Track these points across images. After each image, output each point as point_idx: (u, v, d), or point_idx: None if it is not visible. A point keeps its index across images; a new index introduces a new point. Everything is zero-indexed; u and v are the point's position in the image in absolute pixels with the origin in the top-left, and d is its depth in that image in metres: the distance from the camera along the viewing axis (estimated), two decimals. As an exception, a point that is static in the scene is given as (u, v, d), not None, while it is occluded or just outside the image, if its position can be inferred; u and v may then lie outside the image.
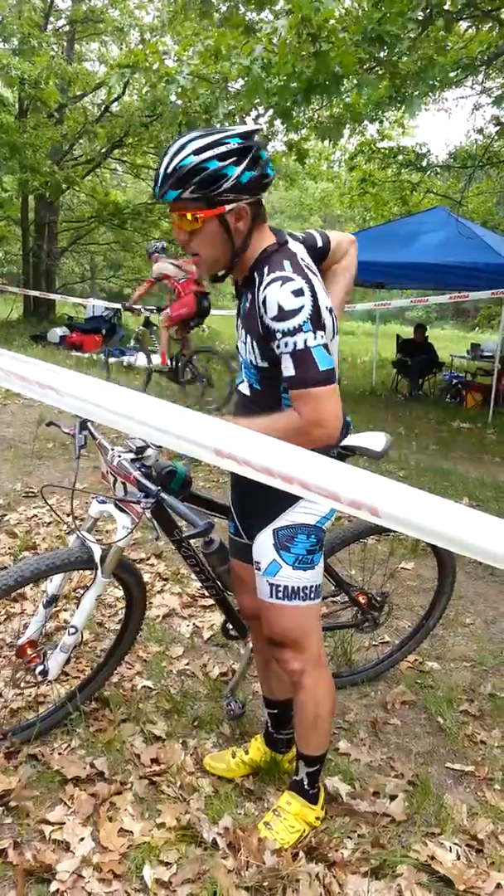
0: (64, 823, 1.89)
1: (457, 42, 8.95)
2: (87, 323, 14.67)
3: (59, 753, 2.15)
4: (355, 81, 6.62)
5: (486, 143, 11.06)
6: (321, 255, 1.79)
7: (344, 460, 1.63)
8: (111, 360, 9.99)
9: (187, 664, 2.72)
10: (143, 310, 8.34)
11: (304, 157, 7.62)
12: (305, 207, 30.37)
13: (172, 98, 6.91)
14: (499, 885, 1.76)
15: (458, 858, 1.85)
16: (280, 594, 1.74)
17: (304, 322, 1.48)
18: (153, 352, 9.67)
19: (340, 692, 2.54)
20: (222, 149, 1.49)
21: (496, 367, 8.93)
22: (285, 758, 2.14)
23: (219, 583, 2.14)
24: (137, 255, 20.67)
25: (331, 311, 1.62)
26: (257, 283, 1.57)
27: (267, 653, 2.00)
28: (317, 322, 1.50)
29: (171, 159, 1.50)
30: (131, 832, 1.87)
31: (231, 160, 1.50)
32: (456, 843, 1.89)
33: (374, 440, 2.09)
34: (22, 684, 2.21)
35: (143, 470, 1.90)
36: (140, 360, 11.88)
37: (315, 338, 1.49)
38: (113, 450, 1.95)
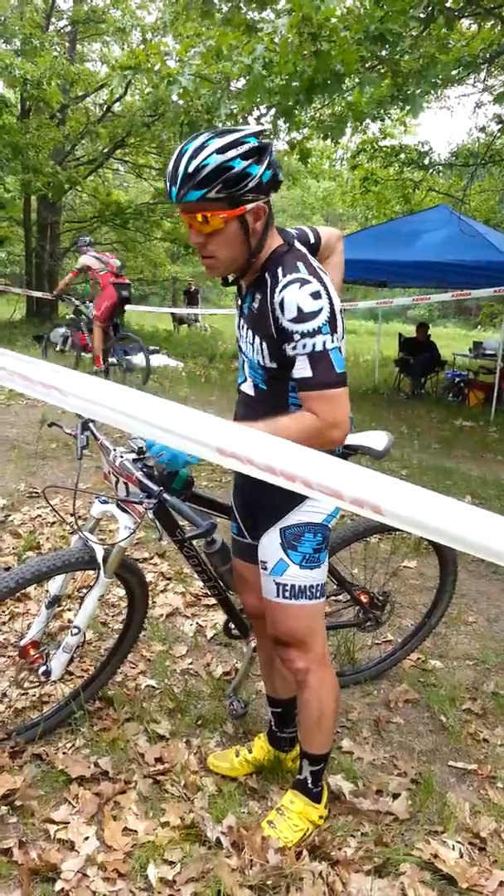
0: (68, 823, 1.89)
1: (459, 40, 8.94)
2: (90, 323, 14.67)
3: (64, 753, 2.16)
4: (357, 80, 6.62)
5: (488, 141, 11.04)
6: (313, 250, 1.80)
7: (346, 459, 1.63)
8: (113, 359, 10.04)
9: (191, 663, 2.73)
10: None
11: (306, 156, 7.61)
12: (307, 206, 30.36)
13: (174, 98, 6.90)
14: (501, 883, 1.76)
15: (461, 857, 1.85)
16: (287, 593, 1.74)
17: (323, 324, 1.49)
18: (155, 351, 9.70)
19: (343, 691, 2.54)
20: (244, 148, 1.48)
21: (498, 365, 8.91)
22: (289, 756, 2.15)
23: (221, 582, 2.15)
24: (140, 254, 20.70)
25: (341, 311, 1.62)
26: (270, 284, 1.57)
27: (271, 651, 2.00)
28: (333, 324, 1.51)
29: (191, 159, 1.46)
30: (135, 831, 1.88)
31: (253, 159, 1.49)
32: (459, 842, 1.90)
33: (377, 439, 2.09)
34: (25, 684, 2.21)
35: (145, 470, 1.91)
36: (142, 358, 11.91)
37: (332, 340, 1.50)
38: (115, 450, 1.96)
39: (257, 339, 1.64)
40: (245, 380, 1.78)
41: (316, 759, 1.90)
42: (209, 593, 2.21)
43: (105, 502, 2.06)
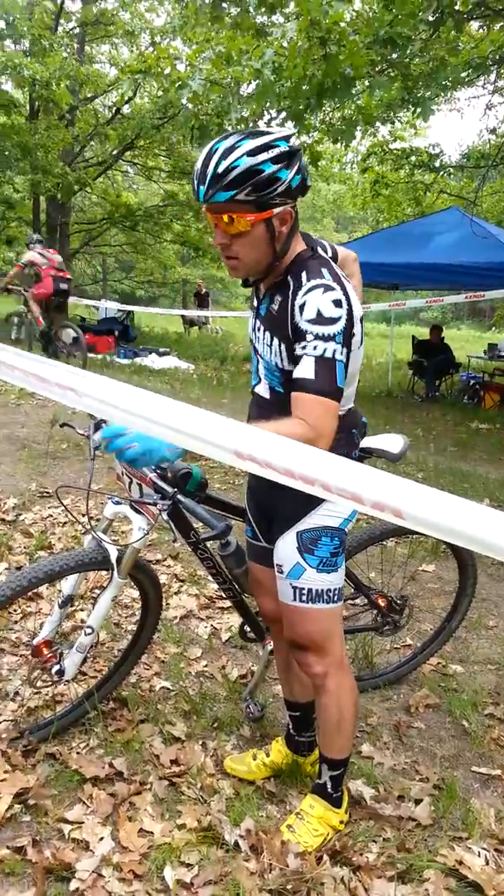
0: (83, 823, 1.87)
1: (468, 42, 8.91)
2: (99, 324, 14.74)
3: (78, 753, 2.13)
4: (367, 83, 6.61)
5: (499, 143, 10.99)
6: None
7: (361, 462, 1.60)
8: (124, 361, 10.09)
9: (206, 666, 2.70)
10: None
11: (317, 160, 7.61)
12: (318, 210, 30.42)
13: (184, 102, 6.91)
14: (528, 891, 1.72)
15: (487, 863, 1.81)
16: (304, 597, 1.71)
17: (338, 333, 1.47)
18: (166, 353, 9.65)
19: (362, 695, 2.50)
20: (275, 152, 1.46)
21: (513, 367, 8.86)
22: (307, 760, 2.12)
23: (236, 585, 2.12)
24: (150, 256, 20.74)
25: (361, 319, 1.60)
26: (293, 287, 1.55)
27: (288, 655, 1.97)
28: (347, 338, 1.49)
29: (221, 159, 1.44)
30: (151, 833, 1.85)
31: (283, 163, 1.48)
32: (484, 848, 1.86)
33: (392, 442, 2.07)
34: (38, 683, 2.19)
35: (158, 472, 1.89)
36: (153, 360, 11.94)
37: (342, 353, 1.48)
38: None
39: (275, 341, 1.62)
40: (259, 381, 1.76)
41: (335, 763, 1.87)
42: (224, 596, 2.18)
43: (118, 503, 2.04)
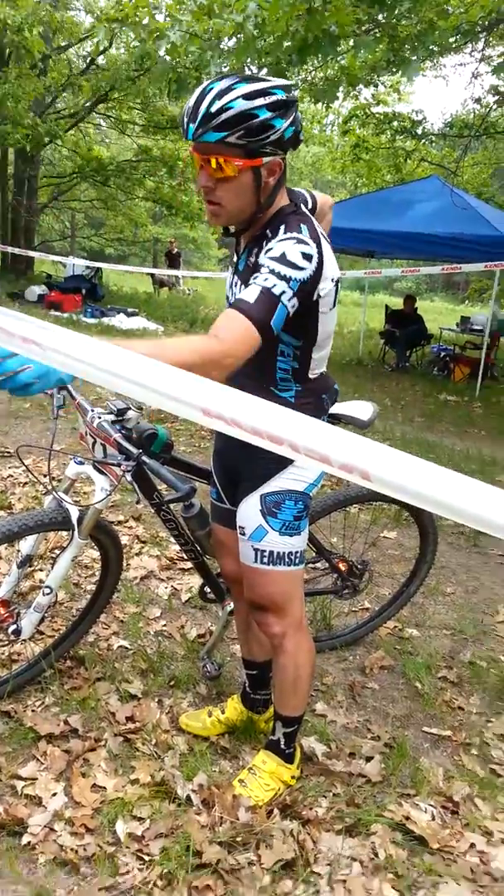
0: (36, 779, 1.87)
1: (457, 6, 8.75)
2: (66, 282, 14.39)
3: (33, 710, 2.13)
4: (352, 43, 6.46)
5: (483, 113, 10.89)
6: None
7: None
8: (91, 320, 9.86)
9: (164, 625, 2.70)
10: None
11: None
12: (296, 171, 29.94)
13: (162, 54, 6.69)
14: (472, 845, 1.78)
15: (433, 819, 1.86)
16: (265, 559, 1.71)
17: (295, 282, 1.41)
18: (134, 314, 9.48)
19: (319, 655, 2.54)
20: (271, 98, 1.41)
21: (486, 340, 8.91)
22: (262, 718, 2.14)
23: (198, 546, 2.12)
24: (121, 213, 20.25)
25: (337, 282, 1.57)
26: (269, 237, 1.51)
27: (248, 615, 1.98)
28: (301, 292, 1.43)
29: (216, 99, 1.39)
30: (104, 788, 1.87)
31: (279, 112, 1.42)
32: (431, 805, 1.91)
33: (361, 409, 2.07)
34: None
35: (123, 432, 1.86)
36: (120, 319, 11.76)
37: (289, 300, 1.41)
38: (93, 411, 1.90)
39: None
40: None
41: (290, 720, 1.90)
42: (185, 557, 2.17)
43: (81, 463, 2.01)
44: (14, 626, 2.04)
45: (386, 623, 2.77)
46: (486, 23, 8.42)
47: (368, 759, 2.07)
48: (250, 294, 1.38)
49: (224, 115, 1.39)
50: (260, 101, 1.40)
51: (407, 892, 1.65)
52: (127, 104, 16.80)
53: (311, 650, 1.87)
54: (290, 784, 1.91)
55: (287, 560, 1.72)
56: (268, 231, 1.55)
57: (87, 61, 16.42)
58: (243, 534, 1.75)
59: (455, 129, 12.59)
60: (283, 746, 1.91)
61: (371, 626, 2.73)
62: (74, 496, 3.45)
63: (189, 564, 2.69)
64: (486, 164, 15.19)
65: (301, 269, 1.42)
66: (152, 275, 18.78)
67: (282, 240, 1.46)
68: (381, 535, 3.71)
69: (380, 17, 6.64)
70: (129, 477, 1.86)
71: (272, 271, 1.41)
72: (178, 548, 2.44)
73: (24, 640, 2.11)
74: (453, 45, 9.16)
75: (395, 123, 11.98)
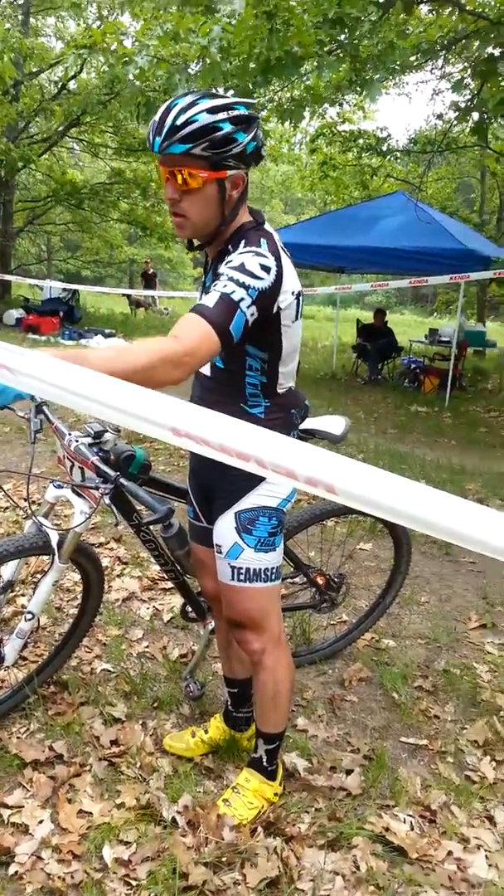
0: (22, 807, 1.88)
1: (417, 26, 8.97)
2: (43, 305, 14.43)
3: (18, 737, 2.14)
4: (315, 64, 6.60)
5: (445, 129, 11.14)
6: None
7: (303, 443, 1.64)
8: (69, 342, 9.87)
9: (147, 647, 2.73)
10: None
11: (264, 139, 7.57)
12: (266, 191, 30.24)
13: (130, 78, 6.78)
14: (449, 853, 1.82)
15: (412, 829, 1.90)
16: (241, 576, 1.75)
17: (253, 290, 1.46)
18: (112, 335, 9.48)
19: (299, 670, 2.57)
20: (234, 113, 1.48)
21: (453, 352, 9.07)
22: (244, 736, 2.17)
23: (178, 566, 2.14)
24: (96, 235, 20.35)
25: (298, 295, 1.62)
26: (231, 251, 1.57)
27: (228, 633, 2.01)
28: (260, 301, 1.48)
29: (180, 113, 1.46)
30: (91, 813, 1.88)
31: (241, 126, 1.50)
32: (409, 815, 1.95)
33: (334, 424, 2.10)
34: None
35: (101, 455, 1.89)
36: (98, 341, 11.79)
37: (248, 307, 1.45)
38: (70, 434, 1.93)
39: None
40: None
41: (271, 737, 1.93)
42: (166, 577, 2.20)
43: (60, 487, 2.03)
44: (-4, 654, 2.05)
45: (363, 635, 2.82)
46: (445, 42, 8.66)
47: (349, 772, 2.11)
48: (209, 299, 1.43)
49: (189, 128, 1.46)
50: (223, 115, 1.47)
51: (389, 902, 1.68)
52: (99, 128, 16.94)
53: (290, 665, 1.90)
54: (274, 801, 1.94)
55: (263, 576, 1.76)
56: (229, 246, 1.60)
57: (59, 86, 16.52)
58: (220, 552, 1.78)
59: (419, 145, 12.88)
60: (265, 764, 1.94)
61: (349, 639, 2.78)
62: (55, 520, 3.46)
63: (170, 584, 2.72)
64: (449, 179, 15.52)
65: (260, 278, 1.48)
66: (128, 295, 18.82)
67: (242, 252, 1.52)
68: (357, 548, 3.77)
69: (341, 37, 6.80)
70: (107, 500, 1.88)
71: (230, 279, 1.46)
72: (158, 568, 2.47)
73: (7, 667, 2.12)
74: (414, 64, 9.38)
75: (361, 141, 12.22)
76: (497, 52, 6.25)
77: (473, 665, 2.76)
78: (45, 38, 17.96)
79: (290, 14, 6.00)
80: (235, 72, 6.57)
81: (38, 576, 2.61)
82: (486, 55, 6.43)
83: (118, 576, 3.30)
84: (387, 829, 1.88)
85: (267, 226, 1.65)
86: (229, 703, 2.16)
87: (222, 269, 1.50)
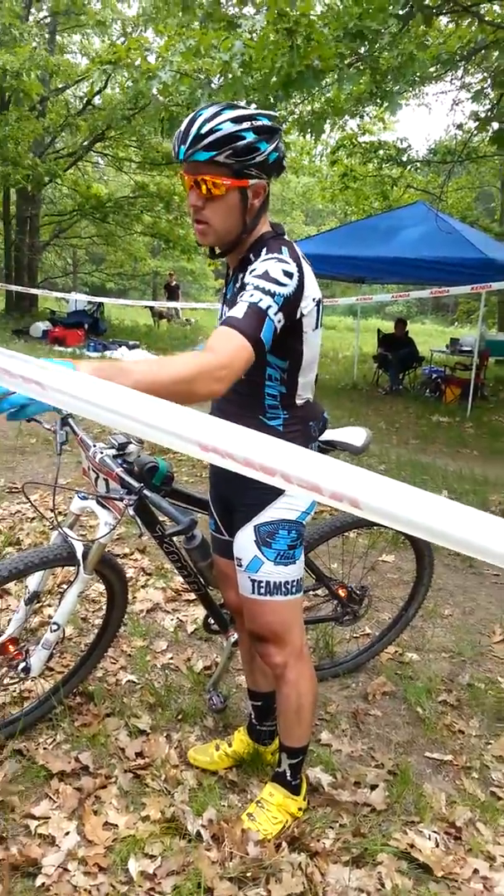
0: (49, 818, 1.90)
1: (436, 37, 8.99)
2: (69, 317, 14.62)
3: (44, 748, 2.16)
4: (336, 76, 6.65)
5: (465, 139, 11.12)
6: None
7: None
8: (94, 354, 9.98)
9: (171, 658, 2.74)
10: None
11: (285, 151, 7.62)
12: (287, 202, 30.37)
13: (154, 93, 6.88)
14: (475, 871, 1.80)
15: (437, 846, 1.89)
16: (262, 590, 1.75)
17: (279, 296, 1.49)
18: (136, 346, 9.56)
19: (322, 684, 2.57)
20: (257, 123, 1.53)
21: (475, 361, 9.02)
22: (268, 749, 2.17)
23: (200, 578, 2.15)
24: (120, 248, 20.60)
25: (319, 302, 1.64)
26: (252, 260, 1.60)
27: (251, 646, 2.02)
28: (286, 308, 1.51)
29: (206, 122, 1.50)
30: (116, 825, 1.89)
31: (264, 136, 1.54)
32: (434, 831, 1.94)
33: (355, 435, 2.10)
34: (5, 681, 2.21)
35: (125, 466, 1.91)
36: (122, 353, 11.90)
37: (276, 315, 1.48)
38: (95, 446, 1.95)
39: None
40: None
41: (294, 752, 1.93)
42: (189, 589, 2.22)
43: (85, 498, 2.05)
44: (23, 664, 2.07)
45: (387, 648, 2.80)
46: (465, 52, 8.66)
47: (373, 787, 2.10)
48: (239, 311, 1.46)
49: (213, 136, 1.50)
50: (246, 125, 1.51)
51: (415, 919, 1.67)
52: (123, 142, 17.21)
53: (313, 679, 1.90)
54: (298, 816, 1.93)
55: (284, 590, 1.76)
56: (251, 255, 1.64)
57: (84, 102, 16.82)
58: (240, 565, 1.79)
59: (439, 155, 12.85)
60: (289, 778, 1.94)
61: (372, 652, 2.76)
62: (80, 531, 3.49)
63: (194, 595, 2.74)
64: (469, 189, 15.48)
65: (284, 285, 1.50)
66: (151, 307, 19.00)
67: (264, 260, 1.55)
68: (379, 560, 3.75)
69: (362, 50, 6.85)
70: (131, 511, 1.90)
71: (257, 287, 1.49)
72: (182, 579, 2.49)
73: (33, 678, 2.14)
74: (434, 75, 9.40)
75: (382, 152, 12.24)
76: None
77: (498, 679, 2.74)
78: (71, 55, 18.32)
79: (311, 28, 6.05)
80: (256, 85, 6.64)
81: (65, 586, 2.64)
82: (505, 65, 6.42)
83: (142, 586, 3.32)
84: (412, 846, 1.86)
85: (286, 236, 1.68)
86: (253, 716, 2.16)
87: (247, 278, 1.53)
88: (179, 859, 1.79)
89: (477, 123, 7.86)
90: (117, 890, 1.70)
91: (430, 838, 1.90)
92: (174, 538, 2.05)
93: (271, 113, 1.58)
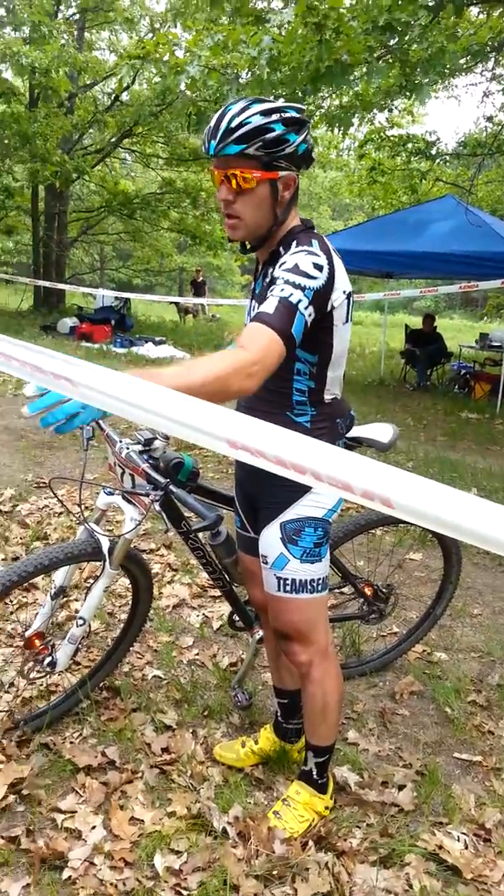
0: (76, 812, 1.91)
1: (467, 28, 8.85)
2: (96, 313, 14.72)
3: (71, 742, 2.18)
4: (364, 70, 6.58)
5: (495, 131, 10.95)
6: None
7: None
8: (121, 350, 10.01)
9: (197, 654, 2.74)
10: None
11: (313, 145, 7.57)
12: (314, 197, 30.23)
13: (182, 88, 6.88)
14: (506, 875, 1.77)
15: (466, 848, 1.86)
16: (288, 587, 1.74)
17: (308, 290, 1.48)
18: (162, 342, 9.59)
19: (349, 682, 2.55)
20: (286, 115, 1.53)
21: (505, 356, 8.88)
22: (294, 747, 2.16)
23: (225, 574, 2.15)
24: (146, 244, 20.69)
25: (349, 295, 1.63)
26: (282, 254, 1.59)
27: (277, 643, 2.01)
28: (316, 301, 1.50)
29: (235, 116, 1.51)
30: (142, 821, 1.90)
31: (293, 128, 1.54)
32: (464, 833, 1.91)
33: (382, 431, 2.08)
34: (32, 675, 2.23)
35: (151, 462, 1.91)
36: (148, 349, 11.95)
37: (307, 308, 1.48)
38: (121, 441, 1.96)
39: None
40: None
41: (321, 750, 1.91)
42: (214, 585, 2.21)
43: (111, 493, 2.06)
44: (49, 659, 2.09)
45: (414, 647, 2.77)
46: (496, 43, 8.51)
47: (401, 787, 2.08)
48: (269, 306, 1.46)
49: (243, 129, 1.50)
50: (275, 117, 1.52)
51: (443, 923, 1.65)
52: (150, 138, 17.26)
53: (339, 677, 1.89)
54: (324, 815, 1.92)
55: (310, 587, 1.75)
56: (280, 248, 1.63)
57: (112, 98, 16.89)
58: (265, 562, 1.78)
59: (468, 147, 12.66)
60: (315, 777, 1.93)
61: (400, 651, 2.74)
62: (107, 526, 3.51)
63: (219, 592, 2.74)
64: (500, 182, 15.21)
65: (314, 278, 1.50)
66: (177, 303, 19.06)
67: (294, 253, 1.55)
68: (406, 557, 3.72)
69: (391, 43, 6.76)
70: (157, 506, 1.91)
71: (287, 282, 1.48)
72: (207, 576, 2.49)
73: (60, 672, 2.16)
74: (464, 66, 9.26)
75: (410, 145, 12.09)
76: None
77: (529, 680, 2.69)
78: (99, 51, 18.41)
79: (340, 22, 5.99)
80: (285, 80, 6.60)
81: (90, 581, 2.66)
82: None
83: (168, 582, 3.32)
84: (440, 847, 1.84)
85: (316, 230, 1.67)
86: (279, 713, 2.15)
87: (277, 272, 1.52)
88: (205, 856, 1.79)
89: (508, 115, 7.73)
90: (143, 885, 1.71)
91: (458, 840, 1.88)
92: (199, 534, 2.05)
93: (299, 106, 1.57)
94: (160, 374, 1.29)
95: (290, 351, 1.46)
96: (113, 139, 16.87)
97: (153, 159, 18.63)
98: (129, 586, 2.31)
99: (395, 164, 13.23)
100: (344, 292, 1.60)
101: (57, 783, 2.02)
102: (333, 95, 8.45)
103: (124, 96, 16.22)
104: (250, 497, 1.90)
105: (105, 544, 2.01)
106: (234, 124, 1.50)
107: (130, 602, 2.34)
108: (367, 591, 2.47)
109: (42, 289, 16.62)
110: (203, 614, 3.06)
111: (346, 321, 1.65)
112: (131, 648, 2.47)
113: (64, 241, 17.76)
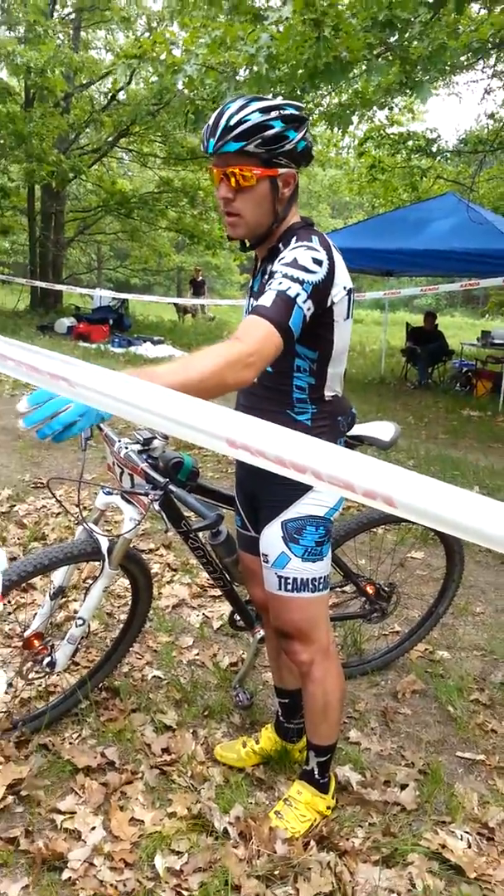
0: (75, 812, 1.90)
1: (468, 25, 8.82)
2: (94, 313, 14.70)
3: (70, 743, 2.16)
4: (364, 67, 6.56)
5: (497, 128, 10.93)
6: None
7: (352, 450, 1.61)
8: (119, 350, 9.99)
9: (197, 654, 2.73)
10: None
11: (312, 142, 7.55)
12: (314, 195, 30.23)
13: (179, 87, 6.87)
14: (510, 874, 1.76)
15: (469, 847, 1.85)
16: (289, 586, 1.73)
17: (307, 283, 1.47)
18: (160, 342, 9.59)
19: (350, 682, 2.54)
20: (285, 112, 1.53)
21: (506, 354, 8.86)
22: (296, 747, 2.15)
23: (226, 574, 2.14)
24: (144, 244, 20.66)
25: (350, 291, 1.62)
26: (282, 250, 1.58)
27: (278, 642, 1.99)
28: (315, 295, 1.49)
29: (234, 114, 1.50)
30: (142, 821, 1.88)
31: (292, 125, 1.54)
32: (467, 832, 1.90)
33: (383, 430, 2.07)
34: (31, 675, 2.22)
35: (150, 461, 1.90)
36: (147, 348, 11.94)
37: (305, 302, 1.46)
38: (120, 441, 1.94)
39: None
40: None
41: (322, 750, 1.90)
42: (215, 585, 2.20)
43: (110, 493, 2.05)
44: (48, 659, 2.08)
45: (416, 646, 2.76)
46: (497, 39, 8.49)
47: (403, 786, 2.06)
48: (267, 299, 1.45)
49: (242, 127, 1.50)
50: (274, 115, 1.51)
51: (447, 923, 1.63)
52: (148, 137, 17.24)
53: (340, 676, 1.87)
54: (326, 814, 1.91)
55: (311, 586, 1.74)
56: (280, 245, 1.62)
57: (108, 97, 16.87)
58: (266, 561, 1.77)
59: (469, 145, 12.64)
60: (317, 776, 1.91)
61: (402, 650, 2.72)
62: (105, 526, 3.50)
63: (219, 591, 2.73)
64: (501, 179, 15.19)
65: (313, 272, 1.49)
66: (175, 303, 19.05)
67: (294, 247, 1.54)
68: (408, 556, 3.70)
69: (391, 40, 6.74)
70: (156, 506, 1.89)
71: (285, 275, 1.47)
72: (207, 575, 2.48)
73: (59, 673, 2.14)
74: (465, 63, 9.24)
75: (410, 143, 12.08)
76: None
77: (532, 679, 2.68)
78: (95, 51, 18.38)
79: (339, 19, 5.97)
80: (283, 78, 6.59)
81: (90, 581, 2.65)
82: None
83: (168, 582, 3.31)
84: (443, 847, 1.83)
85: (315, 227, 1.66)
86: (280, 713, 2.14)
87: (276, 266, 1.51)
88: (206, 856, 1.77)
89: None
90: (144, 886, 1.69)
91: (462, 839, 1.86)
92: (199, 534, 2.04)
93: (298, 103, 1.57)
94: (157, 372, 1.27)
95: (289, 344, 1.44)
96: (110, 139, 16.83)
97: (150, 158, 18.61)
98: (129, 586, 2.30)
99: (396, 161, 13.21)
100: (344, 288, 1.58)
101: (56, 784, 2.01)
102: (333, 93, 8.43)
103: (121, 96, 16.20)
104: (251, 496, 1.88)
105: (104, 544, 2.00)
106: (233, 122, 1.49)
107: (130, 602, 2.32)
108: (369, 589, 2.45)
109: (39, 289, 16.60)
110: (203, 614, 3.04)
111: (347, 317, 1.64)
112: (131, 649, 2.46)
113: (61, 241, 17.74)
